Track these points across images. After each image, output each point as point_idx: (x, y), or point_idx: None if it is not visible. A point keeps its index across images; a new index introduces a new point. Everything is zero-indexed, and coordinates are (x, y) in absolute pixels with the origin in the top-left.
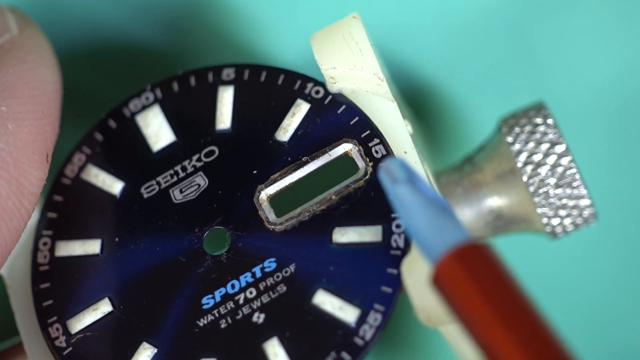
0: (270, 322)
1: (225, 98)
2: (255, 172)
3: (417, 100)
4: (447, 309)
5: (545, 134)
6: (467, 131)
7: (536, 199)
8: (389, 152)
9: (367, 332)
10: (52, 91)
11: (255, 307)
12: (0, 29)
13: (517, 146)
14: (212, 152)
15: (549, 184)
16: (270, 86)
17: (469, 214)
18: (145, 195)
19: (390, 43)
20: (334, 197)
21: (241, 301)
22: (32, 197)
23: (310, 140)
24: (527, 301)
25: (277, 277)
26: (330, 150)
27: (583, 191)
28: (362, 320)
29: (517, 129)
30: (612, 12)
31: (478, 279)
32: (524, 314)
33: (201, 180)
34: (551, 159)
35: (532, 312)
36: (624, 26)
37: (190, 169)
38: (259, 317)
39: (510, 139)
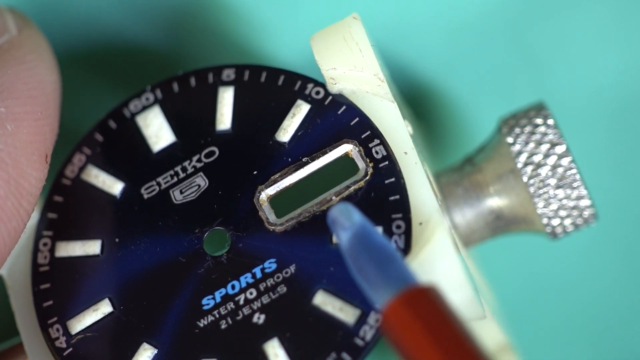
0: (270, 323)
1: (226, 99)
2: (255, 172)
3: (417, 101)
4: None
5: (545, 134)
6: (467, 132)
7: (536, 200)
8: (389, 153)
9: (368, 332)
10: (51, 91)
11: (255, 307)
12: None
13: (517, 147)
14: (212, 153)
15: (549, 184)
16: (271, 87)
17: (469, 215)
18: (146, 196)
19: (391, 43)
20: (334, 197)
21: (241, 302)
22: (32, 198)
23: (311, 141)
24: (472, 342)
25: (278, 277)
26: (331, 150)
27: (583, 192)
28: (362, 321)
29: (517, 130)
30: (612, 12)
31: (424, 323)
32: (469, 355)
33: (201, 181)
34: (551, 160)
35: (478, 352)
36: (624, 26)
37: (190, 170)
38: (259, 318)
39: (510, 140)
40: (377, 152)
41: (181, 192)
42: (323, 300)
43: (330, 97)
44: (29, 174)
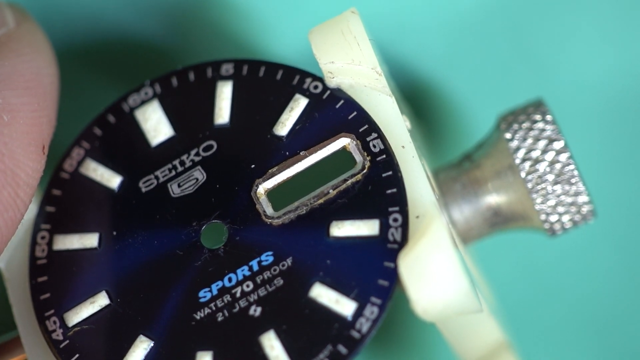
0: (267, 315)
1: (224, 93)
2: (253, 166)
3: (416, 97)
4: None
5: (543, 130)
6: (465, 128)
7: (534, 195)
8: (386, 146)
9: (364, 325)
10: (49, 84)
11: (252, 300)
12: None
13: (515, 142)
14: (210, 147)
15: (547, 180)
16: (269, 81)
17: (468, 211)
18: (144, 190)
19: (389, 40)
20: (331, 191)
21: (238, 294)
22: (28, 189)
23: (308, 135)
24: None
25: (274, 270)
26: (328, 144)
27: (581, 187)
28: (358, 313)
29: (515, 126)
30: (612, 10)
31: None
32: None
33: (199, 175)
34: (549, 155)
35: None
36: (623, 25)
37: (188, 163)
38: (255, 310)
39: (508, 135)
40: (374, 146)
41: (179, 186)
42: (319, 293)
43: (328, 91)
44: (26, 164)
